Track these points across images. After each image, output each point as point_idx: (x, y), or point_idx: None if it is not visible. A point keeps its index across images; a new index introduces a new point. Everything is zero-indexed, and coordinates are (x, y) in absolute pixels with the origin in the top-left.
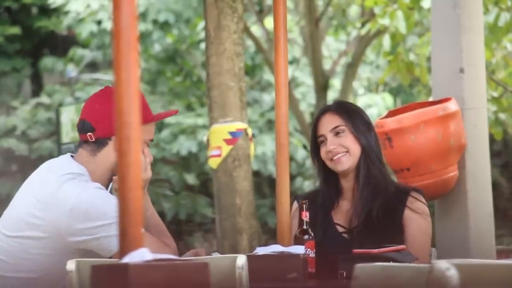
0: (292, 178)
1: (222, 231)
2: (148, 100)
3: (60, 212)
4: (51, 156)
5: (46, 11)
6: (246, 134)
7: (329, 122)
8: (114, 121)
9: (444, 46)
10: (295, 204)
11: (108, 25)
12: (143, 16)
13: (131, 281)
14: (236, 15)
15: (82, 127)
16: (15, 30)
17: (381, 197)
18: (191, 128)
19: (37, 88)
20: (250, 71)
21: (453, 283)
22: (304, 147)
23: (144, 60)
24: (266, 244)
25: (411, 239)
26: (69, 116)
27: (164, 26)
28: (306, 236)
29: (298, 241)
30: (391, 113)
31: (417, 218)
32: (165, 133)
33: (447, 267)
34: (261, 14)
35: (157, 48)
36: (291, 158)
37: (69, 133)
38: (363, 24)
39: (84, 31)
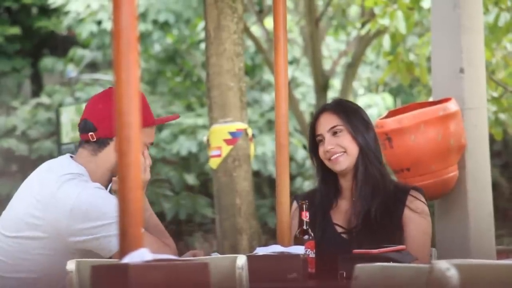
0: (292, 178)
1: (222, 231)
2: (148, 100)
3: (60, 212)
4: (51, 156)
5: (46, 11)
6: (246, 134)
7: (327, 121)
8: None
9: (444, 46)
10: (295, 204)
11: (108, 25)
12: (143, 16)
13: (131, 281)
14: (236, 15)
15: (84, 126)
16: (15, 30)
17: (380, 196)
18: (191, 128)
19: (37, 88)
20: (250, 71)
21: (453, 283)
22: (304, 147)
23: (144, 60)
24: (266, 244)
25: (410, 239)
26: (69, 116)
27: (164, 26)
28: (306, 236)
29: (298, 241)
30: (391, 113)
31: (416, 218)
32: (165, 133)
33: (447, 267)
34: (261, 14)
35: (157, 48)
36: (291, 158)
37: (69, 133)
38: (363, 24)
39: (84, 31)
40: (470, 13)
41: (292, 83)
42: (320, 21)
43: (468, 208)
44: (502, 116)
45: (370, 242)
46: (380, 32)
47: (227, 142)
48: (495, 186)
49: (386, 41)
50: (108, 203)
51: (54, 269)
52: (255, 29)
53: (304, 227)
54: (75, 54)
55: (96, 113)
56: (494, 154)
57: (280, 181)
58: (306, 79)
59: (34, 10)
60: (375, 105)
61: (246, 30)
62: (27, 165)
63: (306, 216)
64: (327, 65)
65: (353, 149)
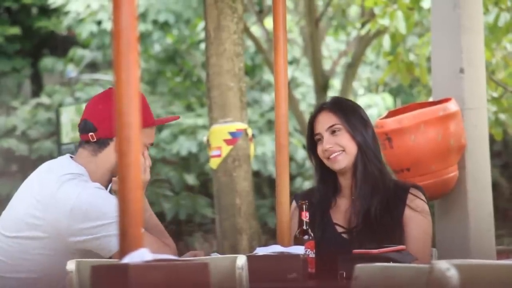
0: (292, 178)
1: (222, 231)
2: (148, 100)
3: (60, 212)
4: (51, 156)
5: (46, 12)
6: (246, 134)
7: (325, 120)
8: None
9: (444, 46)
10: (294, 204)
11: (108, 25)
12: (143, 16)
13: (131, 282)
14: (236, 16)
15: (84, 127)
16: (15, 30)
17: (380, 194)
18: (191, 128)
19: (37, 88)
20: (250, 71)
21: (453, 284)
22: (304, 147)
23: (144, 60)
24: (266, 245)
25: (411, 240)
26: (69, 117)
27: (164, 27)
28: (306, 237)
29: (298, 241)
30: (391, 114)
31: (417, 217)
32: (165, 133)
33: (447, 267)
34: (261, 14)
35: (157, 48)
36: (291, 158)
37: (69, 134)
38: (363, 25)
39: (84, 31)
40: (470, 13)
41: (292, 83)
42: (320, 21)
43: (468, 208)
44: (502, 116)
45: (370, 241)
46: (380, 32)
47: (227, 142)
48: (495, 186)
49: (386, 41)
50: (108, 203)
51: (54, 269)
52: (255, 29)
53: (304, 227)
54: (75, 54)
55: (96, 114)
56: (494, 154)
57: (280, 181)
58: (306, 79)
59: (34, 10)
60: (375, 105)
61: (246, 30)
62: (27, 165)
63: (306, 216)
64: (327, 65)
65: (352, 148)
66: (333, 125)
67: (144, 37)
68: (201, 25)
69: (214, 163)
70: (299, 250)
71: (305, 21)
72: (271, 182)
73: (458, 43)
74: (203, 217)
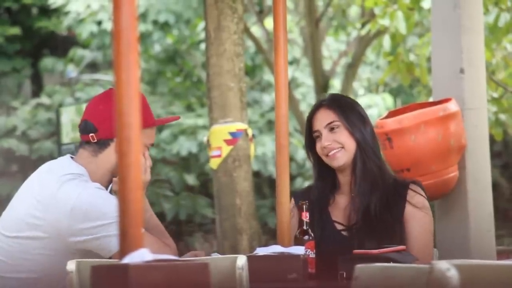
0: (292, 178)
1: (222, 231)
2: (149, 100)
3: (60, 212)
4: (51, 156)
5: (46, 12)
6: (246, 134)
7: (324, 117)
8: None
9: (444, 46)
10: (293, 202)
11: (108, 25)
12: (143, 16)
13: (131, 282)
14: (236, 16)
15: (84, 127)
16: (15, 30)
17: (379, 191)
18: (191, 128)
19: (37, 89)
20: (250, 71)
21: (453, 284)
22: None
23: (144, 60)
24: (266, 245)
25: (414, 237)
26: (69, 117)
27: (164, 27)
28: (306, 237)
29: (298, 241)
30: (392, 114)
31: (418, 214)
32: (165, 133)
33: (447, 267)
34: (261, 14)
35: (157, 48)
36: (291, 159)
37: (69, 134)
38: (363, 25)
39: (84, 31)
40: (470, 14)
41: (292, 84)
42: (320, 21)
43: (469, 208)
44: (502, 116)
45: (370, 239)
46: (380, 33)
47: (227, 142)
48: (495, 186)
49: (386, 41)
50: (108, 203)
51: (54, 269)
52: (255, 30)
53: (304, 227)
54: (75, 55)
55: (96, 114)
56: (494, 155)
57: (280, 181)
58: (306, 80)
59: (34, 11)
60: (375, 106)
61: (246, 30)
62: (27, 165)
63: (306, 216)
64: (327, 66)
65: (351, 145)
66: (331, 122)
67: (144, 37)
68: (201, 25)
69: (214, 163)
70: (299, 250)
71: (305, 21)
72: (271, 182)
73: (458, 43)
74: (203, 217)
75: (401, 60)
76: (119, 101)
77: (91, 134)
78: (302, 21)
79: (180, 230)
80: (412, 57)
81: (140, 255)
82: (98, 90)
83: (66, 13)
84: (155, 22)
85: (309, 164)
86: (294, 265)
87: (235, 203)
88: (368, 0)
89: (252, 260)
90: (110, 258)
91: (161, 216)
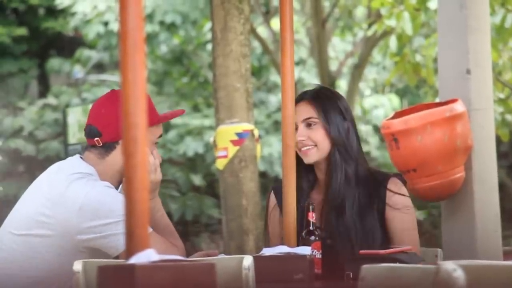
0: None
1: (228, 231)
2: (155, 101)
3: (69, 211)
4: (58, 156)
5: (53, 12)
6: (253, 135)
7: (303, 111)
8: (121, 124)
9: (451, 47)
10: (272, 198)
11: (115, 26)
12: (149, 17)
13: (137, 282)
14: (243, 16)
15: (89, 132)
16: (22, 31)
17: (354, 190)
18: (198, 129)
19: (44, 89)
20: (257, 72)
21: (460, 284)
22: None
23: (150, 61)
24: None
25: (397, 239)
26: (76, 117)
27: (171, 27)
28: (312, 237)
29: (304, 242)
30: (398, 114)
31: (398, 216)
32: (172, 134)
33: (453, 268)
34: (267, 15)
35: (163, 49)
36: None
37: (75, 134)
38: (369, 25)
39: (91, 32)
40: (477, 14)
41: (299, 84)
42: (327, 22)
43: (475, 209)
44: (509, 117)
45: (346, 240)
46: (386, 33)
47: (234, 143)
48: (501, 187)
49: (392, 42)
50: (117, 201)
51: (62, 268)
52: (262, 30)
53: (311, 227)
54: (81, 55)
55: (99, 118)
56: (500, 155)
57: (286, 181)
58: (313, 80)
59: (41, 11)
60: (382, 106)
61: (253, 31)
62: (34, 165)
63: (312, 216)
64: (333, 66)
65: (325, 144)
66: (309, 118)
67: (151, 38)
68: (208, 26)
69: (220, 164)
70: (305, 250)
71: (312, 22)
72: (278, 183)
73: (465, 43)
74: (209, 217)
75: (407, 61)
76: (126, 102)
77: (96, 139)
78: (308, 21)
79: (187, 231)
80: (418, 57)
81: (147, 256)
82: (105, 91)
83: (73, 14)
84: (161, 23)
85: None
86: (300, 266)
87: (241, 203)
88: (375, 1)
89: (258, 261)
90: (117, 256)
91: (167, 216)
